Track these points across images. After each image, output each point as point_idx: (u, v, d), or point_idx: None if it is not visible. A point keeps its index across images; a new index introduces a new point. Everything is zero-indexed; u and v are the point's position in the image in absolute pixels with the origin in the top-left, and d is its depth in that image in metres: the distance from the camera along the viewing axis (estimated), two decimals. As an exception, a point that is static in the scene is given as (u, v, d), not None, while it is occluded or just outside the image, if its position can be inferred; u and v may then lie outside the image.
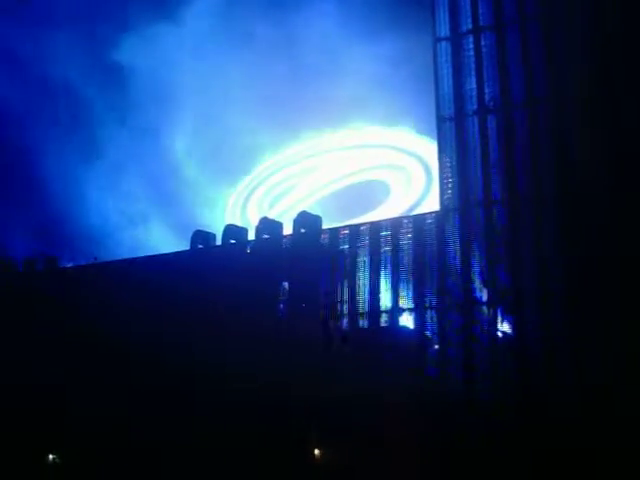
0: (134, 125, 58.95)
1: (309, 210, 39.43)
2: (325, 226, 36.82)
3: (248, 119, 52.77)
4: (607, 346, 27.01)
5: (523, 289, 29.66)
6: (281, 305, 36.32)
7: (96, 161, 58.58)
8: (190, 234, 40.20)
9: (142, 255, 42.42)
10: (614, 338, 26.97)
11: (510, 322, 29.90)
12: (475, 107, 32.91)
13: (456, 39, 34.24)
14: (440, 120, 33.79)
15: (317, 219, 37.06)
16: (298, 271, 35.51)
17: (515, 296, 29.75)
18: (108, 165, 58.84)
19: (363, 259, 34.57)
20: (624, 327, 26.89)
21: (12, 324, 40.80)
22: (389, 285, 33.48)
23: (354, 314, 34.15)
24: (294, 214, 38.20)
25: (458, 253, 31.47)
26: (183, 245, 41.11)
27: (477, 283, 30.64)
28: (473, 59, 33.56)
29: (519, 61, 32.31)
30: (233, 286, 34.90)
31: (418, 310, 32.38)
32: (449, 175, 32.89)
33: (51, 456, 37.72)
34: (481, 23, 33.83)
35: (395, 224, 34.56)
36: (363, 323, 34.06)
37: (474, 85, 33.23)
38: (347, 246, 35.23)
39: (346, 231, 35.61)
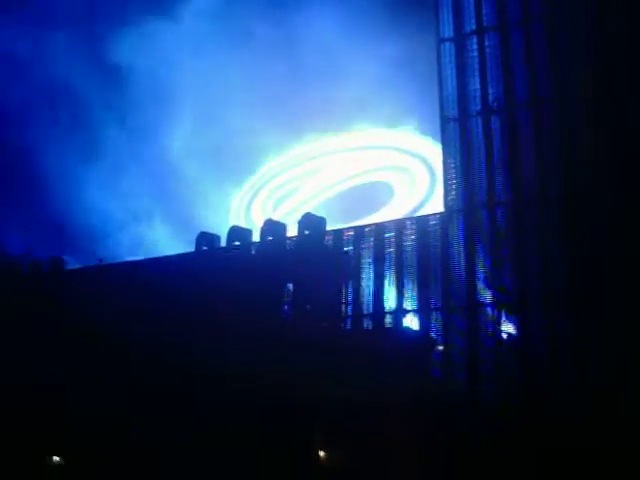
0: (134, 125, 59.13)
1: (313, 212, 39.50)
2: (329, 228, 36.85)
3: (251, 120, 52.86)
4: (611, 347, 26.92)
5: (527, 290, 29.59)
6: (285, 306, 36.33)
7: (97, 161, 58.78)
8: (192, 234, 40.32)
9: (147, 257, 42.51)
10: (618, 339, 26.89)
11: (514, 323, 29.82)
12: (479, 108, 32.86)
13: (460, 40, 34.21)
14: (444, 121, 33.75)
15: (321, 221, 37.10)
16: (302, 273, 35.51)
17: (519, 297, 29.67)
18: (109, 165, 58.98)
19: (367, 260, 34.54)
20: (628, 328, 26.80)
21: (16, 325, 40.86)
22: (393, 286, 33.44)
23: (358, 315, 34.14)
24: (298, 216, 38.29)
25: (462, 254, 31.42)
26: (186, 246, 41.20)
27: (481, 284, 30.57)
28: (477, 60, 33.51)
29: (523, 61, 32.26)
30: (238, 288, 34.90)
31: (422, 311, 32.34)
32: (453, 176, 32.85)
33: (53, 457, 37.75)
34: (485, 24, 33.79)
35: (399, 225, 34.53)
36: (367, 324, 34.04)
37: (478, 86, 33.18)
38: (351, 247, 35.20)
39: (350, 233, 35.58)
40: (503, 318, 29.92)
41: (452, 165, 33.02)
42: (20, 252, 45.90)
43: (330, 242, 35.93)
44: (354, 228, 35.94)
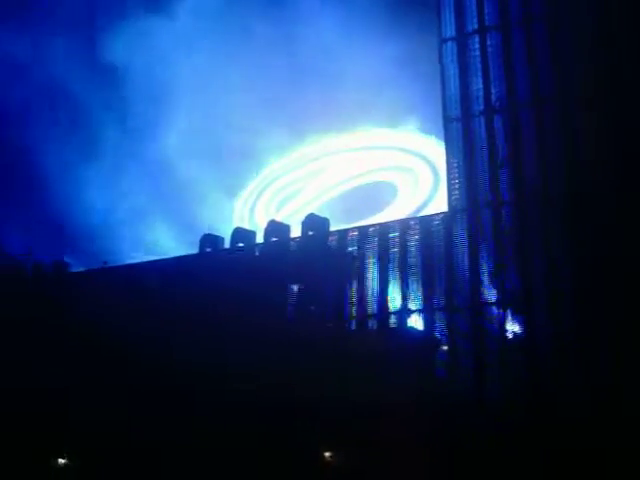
0: (134, 125, 59.07)
1: (317, 212, 39.50)
2: (333, 228, 36.88)
3: (252, 120, 52.78)
4: (616, 345, 26.95)
5: (532, 289, 29.61)
6: (290, 307, 36.34)
7: (96, 160, 58.66)
8: (192, 234, 40.38)
9: (149, 258, 42.57)
10: (623, 337, 26.91)
11: (519, 322, 29.83)
12: (482, 107, 32.91)
13: (462, 39, 34.27)
14: (447, 121, 33.81)
15: (325, 221, 37.12)
16: (306, 273, 35.55)
17: (524, 296, 29.68)
18: (108, 164, 58.93)
19: (371, 261, 34.58)
20: (632, 326, 26.81)
21: (21, 328, 40.91)
22: (397, 286, 33.46)
23: (363, 316, 34.17)
24: (302, 217, 38.29)
25: (466, 254, 31.45)
26: (187, 245, 41.24)
27: (486, 284, 30.58)
28: (479, 59, 33.58)
29: (525, 61, 32.35)
30: (242, 289, 34.90)
31: (427, 311, 32.36)
32: (456, 176, 32.90)
33: (59, 459, 37.84)
34: (487, 23, 33.87)
35: (403, 225, 34.57)
36: (372, 325, 34.06)
37: (480, 85, 33.24)
38: (355, 248, 35.26)
39: (354, 233, 35.63)
40: (508, 317, 29.94)
41: (455, 165, 33.05)
42: (20, 252, 45.92)
43: (334, 243, 35.98)
44: (358, 228, 35.99)
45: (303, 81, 53.84)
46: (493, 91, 32.82)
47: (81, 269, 44.95)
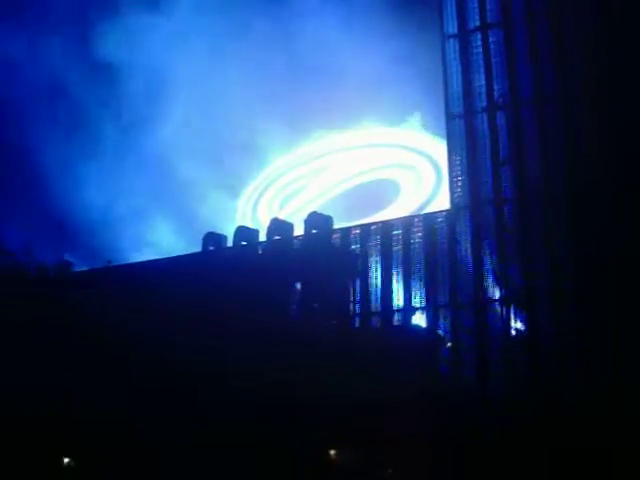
0: (133, 122, 59.09)
1: (320, 210, 39.54)
2: (336, 226, 36.91)
3: (254, 118, 52.80)
4: (619, 343, 26.92)
5: (535, 287, 29.57)
6: (293, 305, 36.37)
7: (96, 158, 58.78)
8: (193, 230, 40.44)
9: (151, 257, 42.62)
10: (625, 334, 26.88)
11: (522, 320, 29.82)
12: (484, 104, 32.80)
13: (464, 36, 34.13)
14: (449, 118, 33.70)
15: (328, 219, 37.13)
16: (310, 271, 35.58)
17: (527, 294, 29.66)
18: (108, 162, 59.02)
19: (374, 258, 34.57)
20: (635, 324, 26.78)
21: (25, 329, 40.97)
22: (401, 284, 33.48)
23: (366, 313, 34.19)
24: (305, 215, 38.31)
25: (469, 251, 31.41)
26: (188, 241, 41.25)
27: (489, 281, 30.57)
28: (481, 56, 33.46)
29: (527, 58, 32.19)
30: (245, 288, 34.95)
31: (430, 309, 32.37)
32: (459, 173, 32.80)
33: (64, 459, 37.95)
34: (489, 20, 33.70)
35: (406, 223, 34.56)
36: (376, 322, 34.09)
37: (483, 82, 33.10)
38: (358, 246, 35.24)
39: (357, 231, 35.63)
40: (511, 314, 29.93)
41: (458, 162, 32.97)
42: (20, 249, 45.95)
43: (337, 241, 35.98)
44: (361, 226, 35.98)
45: (305, 78, 53.89)
46: (496, 87, 32.68)
47: (84, 268, 44.98)
